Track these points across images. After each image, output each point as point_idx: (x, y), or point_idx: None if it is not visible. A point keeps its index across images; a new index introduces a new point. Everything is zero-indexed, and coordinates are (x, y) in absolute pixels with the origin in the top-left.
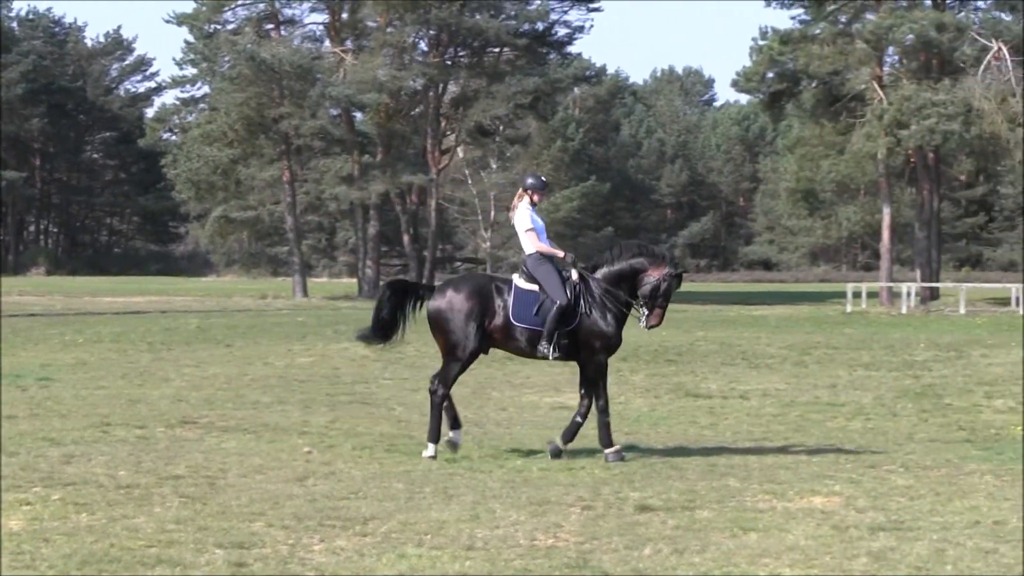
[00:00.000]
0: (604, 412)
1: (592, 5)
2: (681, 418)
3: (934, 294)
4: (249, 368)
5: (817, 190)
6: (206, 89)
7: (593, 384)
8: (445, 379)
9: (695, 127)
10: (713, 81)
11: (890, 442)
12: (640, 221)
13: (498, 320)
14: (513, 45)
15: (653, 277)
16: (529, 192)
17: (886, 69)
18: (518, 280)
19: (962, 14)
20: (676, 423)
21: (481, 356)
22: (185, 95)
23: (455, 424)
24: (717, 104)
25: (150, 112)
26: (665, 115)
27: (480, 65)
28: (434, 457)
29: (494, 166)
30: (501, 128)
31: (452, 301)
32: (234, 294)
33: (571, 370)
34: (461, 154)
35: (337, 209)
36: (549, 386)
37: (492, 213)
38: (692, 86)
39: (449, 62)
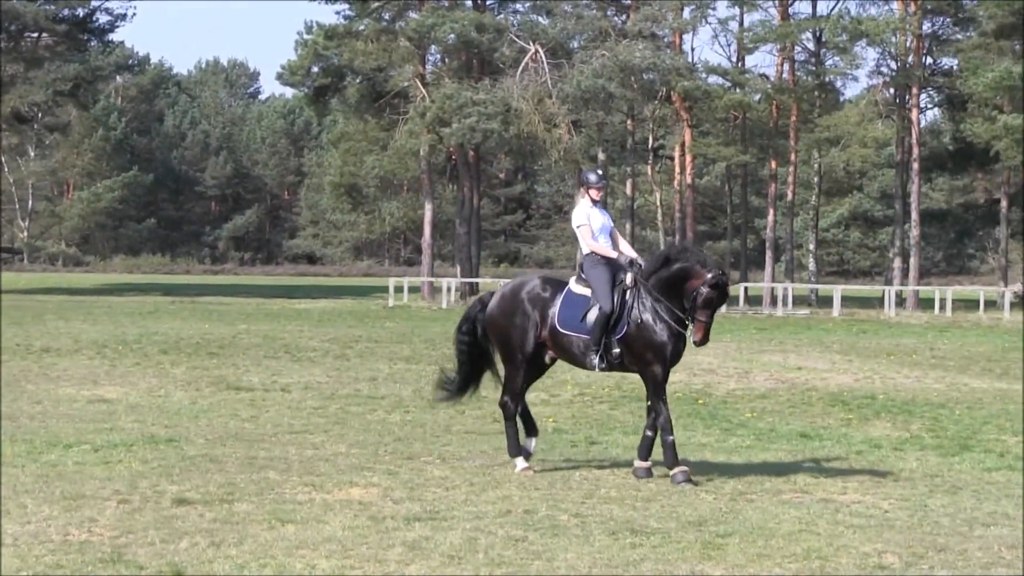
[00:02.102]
0: (666, 430)
1: None
2: (222, 411)
3: (474, 289)
4: None
5: (361, 185)
6: None
7: (652, 399)
8: (510, 389)
9: (240, 119)
10: (258, 74)
11: (428, 434)
12: (184, 213)
13: (545, 329)
14: (52, 31)
15: (693, 287)
16: (586, 188)
17: (429, 67)
18: (572, 283)
19: (501, 16)
20: (217, 416)
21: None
22: None
23: (530, 431)
24: (262, 97)
25: None
26: (210, 107)
27: (17, 50)
28: (528, 469)
29: (32, 154)
30: (39, 115)
31: (503, 306)
32: None
33: (111, 362)
34: None
35: None
36: (87, 379)
37: (30, 202)
38: (237, 78)
39: None
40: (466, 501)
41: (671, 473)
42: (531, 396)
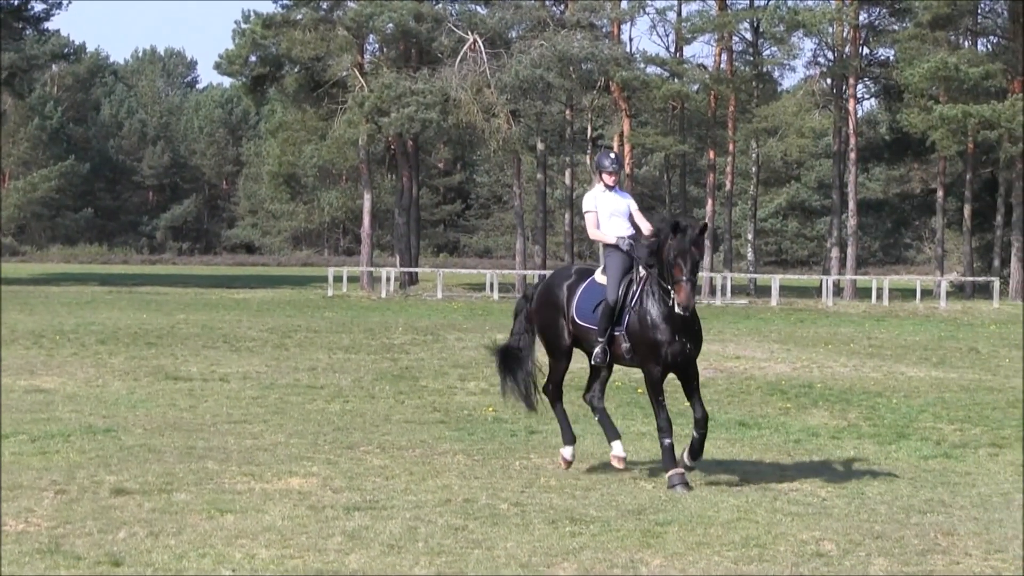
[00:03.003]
0: (663, 432)
1: None
2: (160, 401)
3: (413, 279)
4: None
5: (299, 174)
6: None
7: (649, 397)
8: (551, 378)
9: (177, 109)
10: (196, 63)
11: (368, 424)
12: (122, 203)
13: (570, 321)
14: None
15: (664, 249)
16: (599, 173)
17: (367, 57)
18: (597, 273)
19: (439, 5)
20: (155, 406)
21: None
22: None
23: (611, 435)
24: (200, 86)
25: None
26: (147, 96)
27: None
28: (569, 461)
29: None
30: None
31: (540, 298)
32: None
33: (48, 352)
34: None
35: None
36: (24, 369)
37: None
38: (174, 67)
39: None
40: (406, 490)
41: (667, 475)
42: (471, 385)
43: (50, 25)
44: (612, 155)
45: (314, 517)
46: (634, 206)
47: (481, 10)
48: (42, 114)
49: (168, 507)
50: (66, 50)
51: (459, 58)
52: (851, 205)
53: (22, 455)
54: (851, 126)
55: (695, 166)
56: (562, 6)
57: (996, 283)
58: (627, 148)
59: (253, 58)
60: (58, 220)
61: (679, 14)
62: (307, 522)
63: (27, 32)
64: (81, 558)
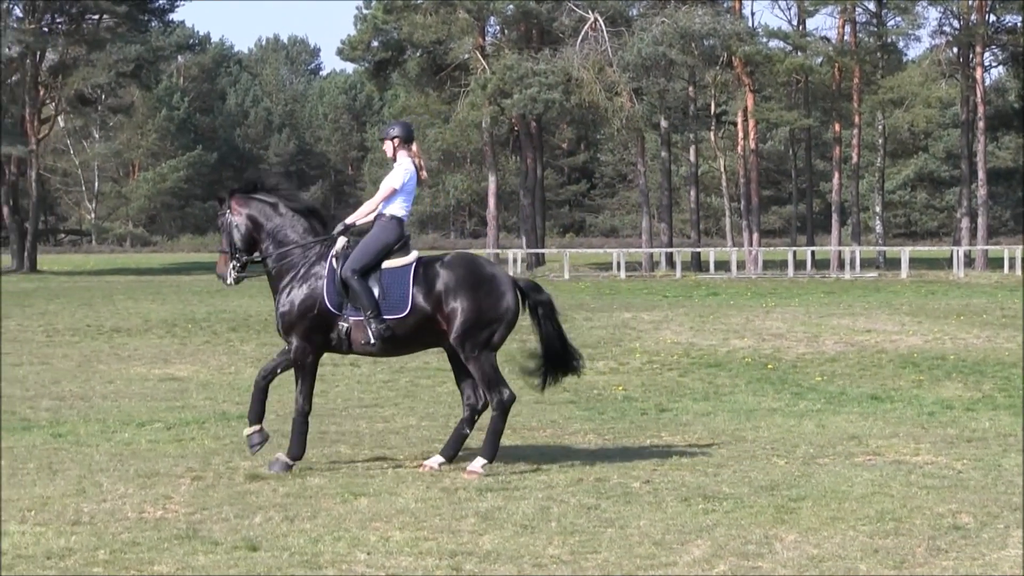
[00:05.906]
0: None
1: None
2: (292, 387)
3: (540, 260)
4: None
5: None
6: None
7: None
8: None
9: (302, 96)
10: (319, 50)
11: None
12: None
13: None
14: (113, 12)
15: None
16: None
17: (488, 39)
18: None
19: None
20: (287, 391)
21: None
22: None
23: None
24: (324, 73)
25: None
26: (271, 84)
27: (79, 32)
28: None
29: (97, 136)
30: (103, 97)
31: None
32: None
33: (181, 341)
34: (62, 123)
35: None
36: (158, 358)
37: (96, 184)
38: (298, 55)
39: (46, 29)
40: (537, 470)
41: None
42: (600, 364)
43: (175, 17)
44: (392, 122)
45: (447, 499)
46: (387, 181)
47: None
48: (169, 105)
49: (303, 491)
50: (191, 41)
51: (580, 37)
52: (981, 175)
53: (158, 443)
54: (979, 95)
55: (820, 140)
56: None
57: None
58: (751, 123)
59: (375, 43)
60: (188, 210)
61: None
62: (440, 504)
63: (153, 24)
64: (218, 543)
